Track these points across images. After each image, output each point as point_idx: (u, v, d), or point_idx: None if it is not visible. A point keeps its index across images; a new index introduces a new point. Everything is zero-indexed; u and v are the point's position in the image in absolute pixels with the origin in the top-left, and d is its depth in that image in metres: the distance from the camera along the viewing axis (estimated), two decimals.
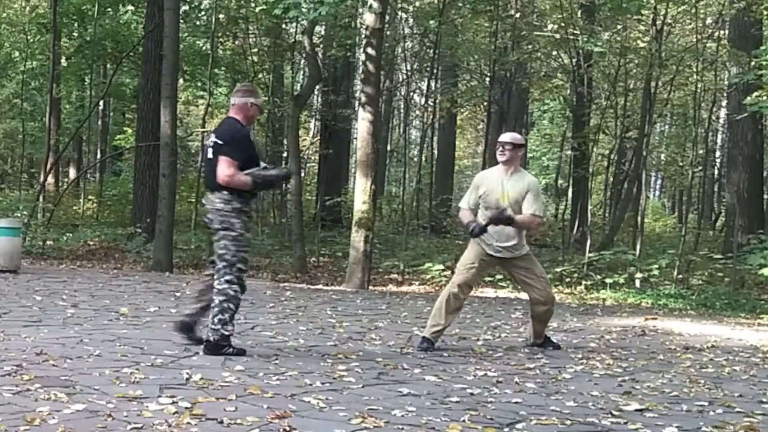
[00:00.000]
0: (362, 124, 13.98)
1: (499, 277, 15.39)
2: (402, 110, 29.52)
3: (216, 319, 5.76)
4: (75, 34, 23.59)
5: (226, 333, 5.79)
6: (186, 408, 4.03)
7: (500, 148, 6.72)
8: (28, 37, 22.58)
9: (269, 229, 20.65)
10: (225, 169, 5.76)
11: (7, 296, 9.03)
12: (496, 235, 6.61)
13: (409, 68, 23.66)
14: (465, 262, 6.74)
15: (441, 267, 15.17)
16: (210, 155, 5.91)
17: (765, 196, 19.51)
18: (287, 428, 3.75)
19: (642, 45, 18.18)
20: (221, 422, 3.80)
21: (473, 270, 6.69)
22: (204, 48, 22.03)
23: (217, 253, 5.88)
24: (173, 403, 4.13)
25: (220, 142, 5.86)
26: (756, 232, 15.77)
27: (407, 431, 3.86)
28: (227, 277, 5.79)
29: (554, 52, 20.76)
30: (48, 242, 17.52)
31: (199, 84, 23.28)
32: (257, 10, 17.59)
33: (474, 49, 22.12)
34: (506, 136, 6.86)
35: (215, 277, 5.86)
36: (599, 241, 18.15)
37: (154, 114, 16.76)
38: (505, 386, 5.11)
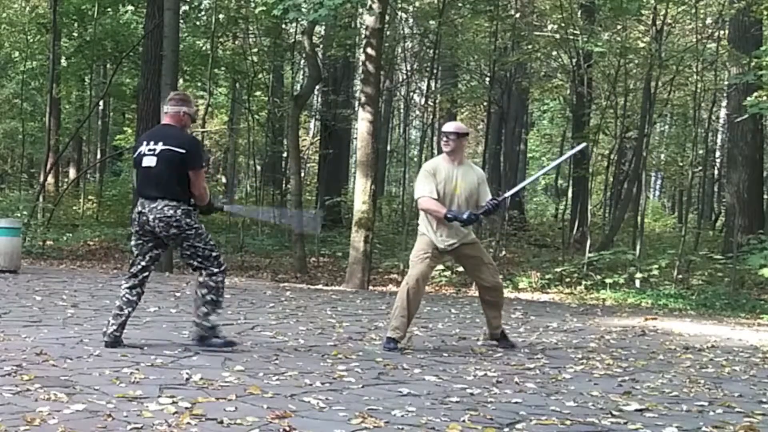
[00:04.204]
0: (362, 124, 13.99)
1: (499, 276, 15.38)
2: (402, 110, 29.54)
3: (201, 312, 5.86)
4: (75, 34, 23.60)
5: (210, 324, 5.88)
6: (186, 408, 4.02)
7: (444, 139, 6.70)
8: (28, 37, 22.60)
9: (269, 229, 20.66)
10: (203, 182, 5.92)
11: (7, 296, 9.03)
12: (448, 232, 6.56)
13: (409, 68, 23.67)
14: (418, 253, 6.63)
15: (441, 267, 15.16)
16: (153, 163, 5.81)
17: (765, 196, 19.51)
18: (287, 428, 3.75)
19: (642, 45, 18.18)
20: (221, 422, 3.80)
21: (427, 259, 6.59)
22: (204, 48, 22.04)
23: (185, 255, 5.93)
24: (173, 403, 4.12)
25: (181, 151, 5.79)
26: (756, 232, 15.77)
27: (407, 431, 3.86)
28: (210, 270, 5.85)
29: (554, 52, 20.78)
30: (48, 242, 17.53)
31: (199, 84, 23.29)
32: (257, 11, 17.61)
33: (474, 49, 22.13)
34: (450, 126, 6.83)
35: (198, 275, 5.91)
36: (599, 241, 18.15)
37: (154, 114, 16.74)
38: (505, 386, 5.11)
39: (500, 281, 7.00)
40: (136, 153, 5.99)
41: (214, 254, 5.89)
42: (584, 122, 19.53)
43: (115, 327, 5.84)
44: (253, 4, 19.17)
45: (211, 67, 20.11)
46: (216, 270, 5.86)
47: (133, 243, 6.01)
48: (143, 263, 5.94)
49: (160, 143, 5.85)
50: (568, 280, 15.78)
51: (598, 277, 15.48)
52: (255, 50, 21.81)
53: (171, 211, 5.77)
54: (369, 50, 14.01)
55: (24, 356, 5.26)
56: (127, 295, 5.91)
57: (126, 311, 5.89)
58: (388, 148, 28.06)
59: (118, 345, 5.80)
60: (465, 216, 6.45)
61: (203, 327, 5.89)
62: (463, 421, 4.08)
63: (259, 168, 25.06)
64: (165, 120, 6.12)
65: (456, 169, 6.62)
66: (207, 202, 6.01)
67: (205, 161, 6.21)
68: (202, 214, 6.17)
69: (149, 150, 5.85)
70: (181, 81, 21.10)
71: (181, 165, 5.79)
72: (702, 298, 14.13)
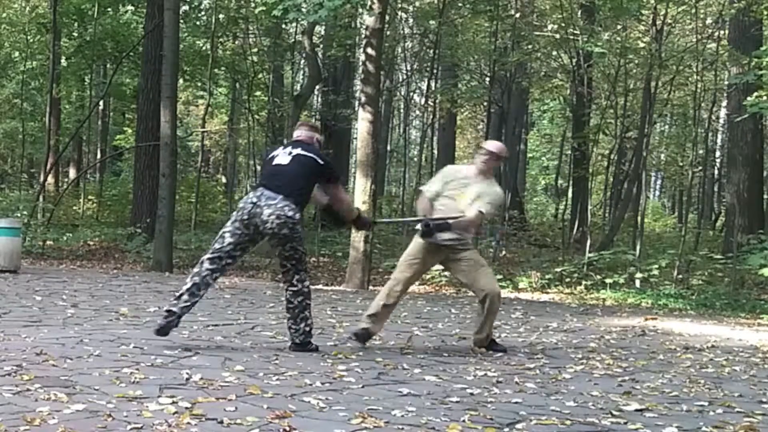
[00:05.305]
0: (362, 124, 13.99)
1: (498, 276, 15.40)
2: (402, 110, 29.55)
3: (299, 319, 6.03)
4: (75, 34, 23.62)
5: (309, 329, 6.11)
6: (186, 408, 4.02)
7: (485, 157, 6.49)
8: (28, 37, 22.61)
9: None
10: (344, 193, 6.48)
11: (7, 296, 9.03)
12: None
13: (409, 68, 23.68)
14: (407, 258, 6.54)
15: (441, 267, 15.14)
16: (286, 161, 5.89)
17: (765, 196, 19.51)
18: (287, 428, 3.75)
19: (642, 45, 18.19)
20: (221, 422, 3.80)
21: (416, 265, 6.49)
22: (204, 48, 22.05)
23: (285, 255, 5.93)
24: (173, 403, 4.12)
25: (320, 162, 5.97)
26: (756, 232, 15.78)
27: (407, 431, 3.86)
28: (301, 275, 6.00)
29: (554, 52, 20.78)
30: (48, 242, 17.52)
31: (199, 84, 23.30)
32: (257, 11, 17.61)
33: (474, 49, 22.14)
34: (495, 147, 6.66)
35: (288, 279, 6.01)
36: (599, 241, 18.15)
37: (154, 114, 16.77)
38: (505, 386, 5.11)
39: (498, 288, 6.62)
40: (269, 157, 6.07)
41: (305, 259, 6.05)
42: (584, 122, 19.54)
43: (188, 306, 5.88)
44: (253, 4, 19.16)
45: (211, 67, 20.11)
46: (306, 276, 6.03)
47: (229, 230, 5.89)
48: (234, 254, 5.94)
49: (299, 149, 5.96)
50: (568, 280, 15.78)
51: (598, 277, 15.48)
52: (255, 50, 21.81)
53: (291, 213, 5.79)
54: (369, 50, 14.00)
55: (24, 356, 5.25)
56: (207, 278, 5.91)
57: (201, 293, 5.94)
58: (388, 148, 28.07)
59: (176, 326, 5.88)
60: (422, 224, 6.36)
61: (305, 333, 6.05)
62: (463, 421, 4.07)
63: (259, 168, 25.09)
64: (303, 138, 6.16)
65: (474, 182, 6.42)
66: (355, 214, 6.45)
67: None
68: (352, 225, 6.79)
69: (285, 152, 5.99)
70: (181, 81, 21.13)
71: (316, 173, 5.95)
72: (702, 298, 14.13)
